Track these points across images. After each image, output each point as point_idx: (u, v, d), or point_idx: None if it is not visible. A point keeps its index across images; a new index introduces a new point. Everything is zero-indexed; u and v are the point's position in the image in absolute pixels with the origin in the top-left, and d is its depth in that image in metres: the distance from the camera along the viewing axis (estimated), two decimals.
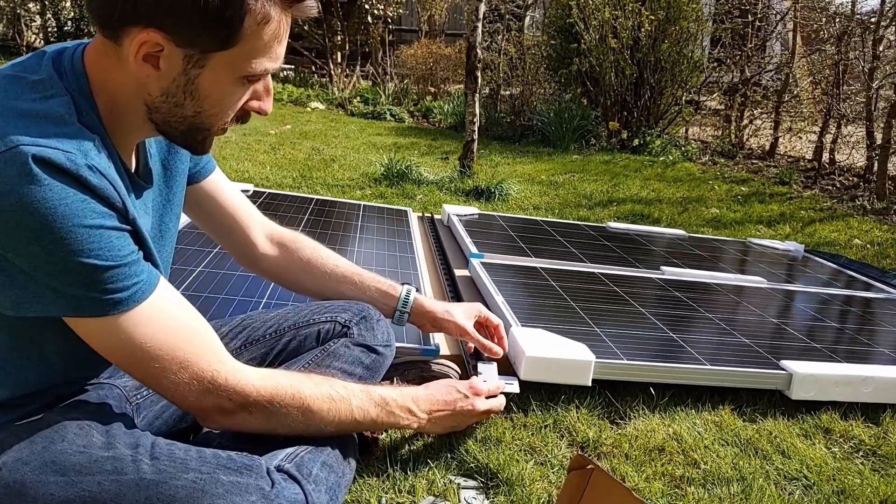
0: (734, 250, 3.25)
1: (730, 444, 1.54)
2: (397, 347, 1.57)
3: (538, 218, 3.36)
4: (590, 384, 1.61)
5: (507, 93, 7.82)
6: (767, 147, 6.96)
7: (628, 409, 1.64)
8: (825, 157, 6.04)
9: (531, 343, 1.62)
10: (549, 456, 1.42)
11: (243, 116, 0.99)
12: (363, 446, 1.35)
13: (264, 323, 1.38)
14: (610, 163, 5.56)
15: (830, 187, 5.43)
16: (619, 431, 1.55)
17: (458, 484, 1.30)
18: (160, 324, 0.93)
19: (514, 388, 1.51)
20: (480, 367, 1.53)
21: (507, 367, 1.63)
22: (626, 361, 1.65)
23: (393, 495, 1.25)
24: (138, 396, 1.19)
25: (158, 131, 0.97)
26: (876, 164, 5.50)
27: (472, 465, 1.36)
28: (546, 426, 1.53)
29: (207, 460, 0.92)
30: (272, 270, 1.44)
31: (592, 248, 2.84)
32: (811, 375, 1.71)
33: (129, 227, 0.90)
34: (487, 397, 1.37)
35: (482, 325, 1.58)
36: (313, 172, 4.22)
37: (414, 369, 1.56)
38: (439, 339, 1.78)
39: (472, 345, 1.55)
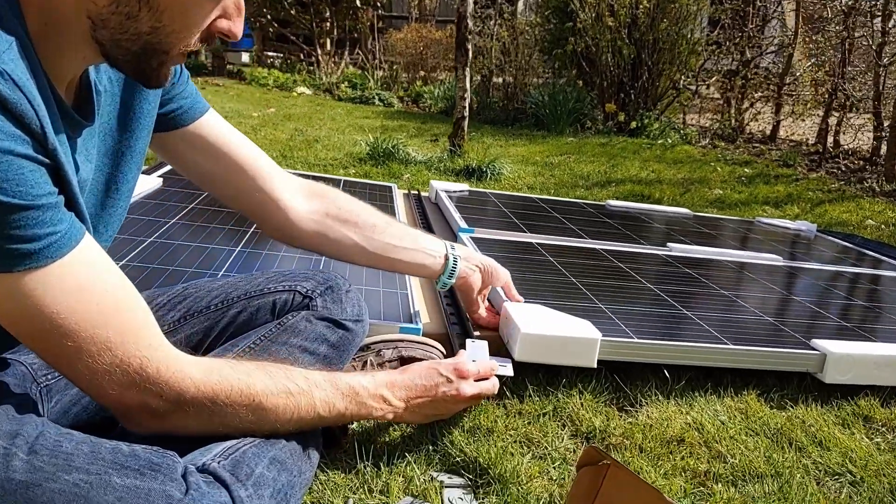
0: (743, 229, 3.03)
1: (759, 435, 1.33)
2: (372, 324, 1.35)
3: (534, 195, 3.14)
4: (595, 366, 1.39)
5: (500, 80, 7.59)
6: (769, 131, 6.76)
7: (639, 395, 1.42)
8: (829, 140, 5.84)
9: (527, 319, 1.39)
10: (550, 448, 1.21)
11: (208, 39, 0.76)
12: (328, 438, 1.12)
13: (209, 292, 1.15)
14: (607, 145, 5.34)
15: (836, 171, 5.23)
16: (630, 420, 1.33)
17: (441, 482, 1.09)
18: (78, 290, 0.71)
19: (508, 370, 1.29)
20: (469, 344, 1.31)
21: (500, 349, 1.41)
22: (636, 340, 1.44)
23: (363, 496, 1.03)
24: (49, 377, 0.96)
25: (104, 55, 0.74)
26: (884, 146, 5.30)
27: (457, 459, 1.14)
28: (545, 414, 1.31)
29: (101, 457, 0.70)
30: (310, 235, 1.18)
31: (592, 224, 2.62)
32: (848, 356, 1.49)
33: (47, 161, 0.68)
34: (477, 380, 1.15)
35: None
36: (294, 152, 3.99)
37: (391, 348, 1.33)
38: (423, 316, 1.56)
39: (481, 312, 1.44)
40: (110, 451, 0.69)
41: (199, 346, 1.10)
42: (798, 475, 1.19)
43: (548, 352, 1.36)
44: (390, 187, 2.83)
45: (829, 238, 3.11)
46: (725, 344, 1.48)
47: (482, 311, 1.45)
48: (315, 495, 1.02)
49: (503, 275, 1.41)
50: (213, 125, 1.07)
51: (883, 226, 3.58)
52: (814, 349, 1.53)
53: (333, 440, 1.14)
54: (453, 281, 1.31)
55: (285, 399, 0.88)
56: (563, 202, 3.03)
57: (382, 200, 2.56)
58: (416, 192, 2.92)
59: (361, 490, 1.04)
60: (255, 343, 1.07)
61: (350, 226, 1.20)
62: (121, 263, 1.49)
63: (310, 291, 1.18)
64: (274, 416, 0.87)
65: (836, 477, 1.22)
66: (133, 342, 0.75)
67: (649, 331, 1.50)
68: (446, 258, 1.30)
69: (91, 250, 0.74)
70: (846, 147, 5.99)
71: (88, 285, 0.72)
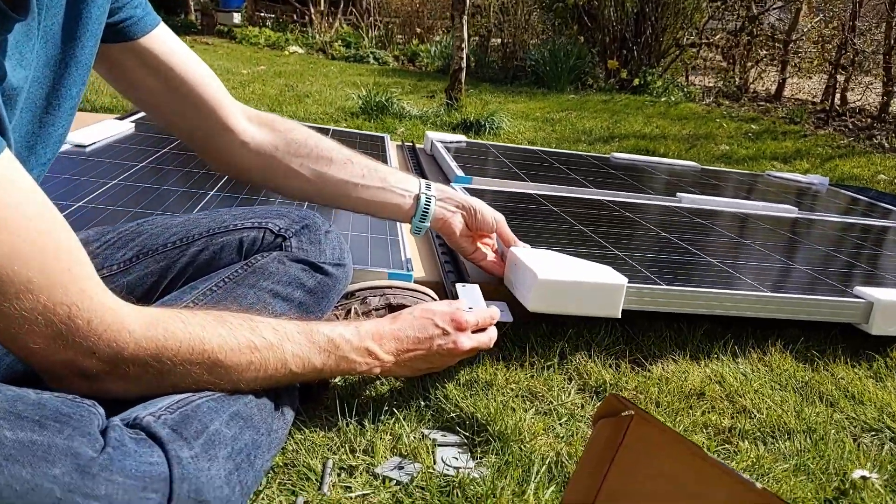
0: (753, 182, 2.89)
1: (785, 389, 1.20)
2: (357, 270, 1.22)
3: (535, 147, 2.99)
4: (619, 315, 1.22)
5: (498, 41, 7.36)
6: (773, 90, 6.58)
7: (652, 347, 1.29)
8: (836, 99, 5.66)
9: (541, 263, 1.22)
10: (556, 403, 1.08)
11: None
12: (306, 393, 0.99)
13: (167, 229, 1.01)
14: (609, 102, 5.17)
15: (844, 128, 5.07)
16: (644, 373, 1.20)
17: (434, 440, 0.96)
18: None
19: (507, 316, 1.15)
20: (460, 290, 1.18)
21: (501, 299, 1.27)
22: (665, 287, 1.27)
23: (344, 456, 0.90)
24: None
25: None
26: (894, 102, 5.14)
27: (452, 415, 1.01)
28: (549, 366, 1.18)
29: None
30: (260, 165, 1.04)
31: (597, 175, 2.47)
32: None
33: None
34: (475, 331, 1.02)
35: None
36: (284, 107, 3.82)
37: (378, 296, 1.20)
38: (416, 264, 1.42)
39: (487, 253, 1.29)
40: (10, 398, 0.55)
41: (153, 288, 0.96)
42: (833, 431, 1.07)
43: (566, 300, 1.19)
44: (383, 137, 2.67)
45: (843, 191, 2.97)
46: (764, 291, 1.32)
47: (490, 257, 1.28)
48: (288, 456, 0.89)
49: (492, 218, 1.23)
50: (165, 41, 0.93)
51: None
52: (858, 297, 1.38)
53: (311, 395, 1.01)
54: (427, 224, 1.15)
55: (249, 355, 0.75)
56: (566, 154, 2.88)
57: (374, 150, 2.41)
58: (411, 144, 2.76)
59: (342, 450, 0.91)
60: (217, 285, 0.93)
61: (303, 159, 1.05)
62: (78, 204, 1.35)
63: (283, 230, 1.03)
64: (236, 374, 0.75)
65: (874, 433, 1.09)
66: (60, 285, 0.61)
67: (675, 278, 1.34)
68: (417, 198, 1.13)
69: (14, 171, 0.59)
70: (854, 105, 5.82)
71: (4, 212, 0.58)
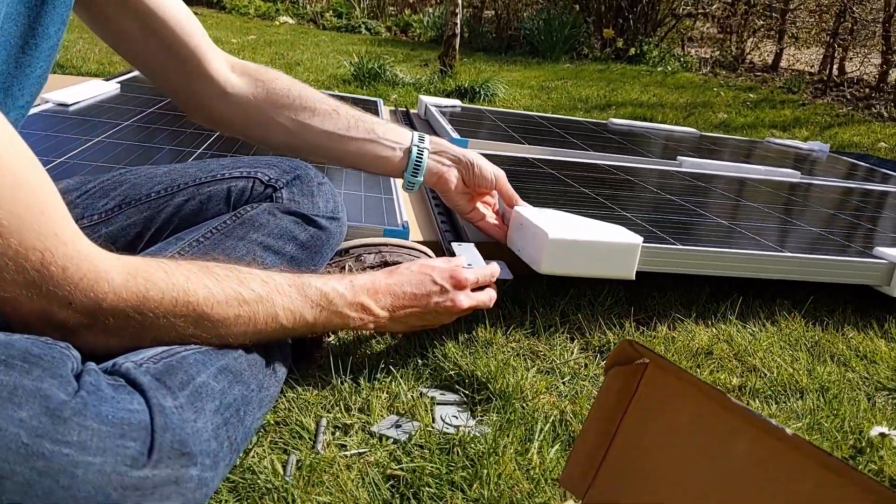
0: (754, 148, 2.84)
1: (795, 348, 1.16)
2: (351, 227, 1.17)
3: (532, 113, 2.93)
4: (633, 277, 1.15)
5: (492, 12, 7.24)
6: (770, 60, 6.51)
7: (657, 307, 1.25)
8: (834, 69, 5.61)
9: (551, 223, 1.14)
10: (558, 362, 1.04)
11: None
12: (298, 352, 0.95)
13: (151, 178, 0.96)
14: (605, 71, 5.09)
15: (842, 98, 5.01)
16: (650, 333, 1.16)
17: (433, 398, 0.91)
18: None
19: (506, 273, 1.10)
20: (456, 248, 1.13)
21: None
22: (680, 247, 1.20)
23: (338, 414, 0.86)
24: None
25: None
26: (894, 72, 5.09)
27: (451, 373, 0.96)
28: (551, 326, 1.14)
29: None
30: (240, 115, 0.98)
31: (596, 140, 2.42)
32: None
33: None
34: (474, 290, 0.97)
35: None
36: None
37: (374, 253, 1.15)
38: (410, 218, 1.38)
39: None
40: None
41: (137, 240, 0.91)
42: (846, 390, 1.03)
43: (579, 261, 1.12)
44: (376, 102, 2.60)
45: (843, 158, 2.92)
46: (784, 252, 1.26)
47: (489, 217, 1.21)
48: (280, 414, 0.85)
49: (491, 174, 1.15)
50: None
51: None
52: (879, 258, 1.32)
53: (304, 354, 0.97)
54: (420, 179, 1.08)
55: (237, 308, 0.70)
56: (564, 119, 2.82)
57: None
58: (405, 109, 2.70)
59: (337, 408, 0.87)
60: (204, 236, 0.88)
61: (285, 110, 0.98)
62: (59, 160, 1.29)
63: (273, 180, 0.98)
64: (224, 328, 0.70)
65: (889, 393, 1.06)
66: (32, 228, 0.55)
67: (689, 238, 1.27)
68: (408, 151, 1.06)
69: None
70: (852, 75, 5.76)
71: None
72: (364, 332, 1.04)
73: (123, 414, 0.51)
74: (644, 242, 1.16)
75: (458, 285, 0.93)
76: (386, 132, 1.06)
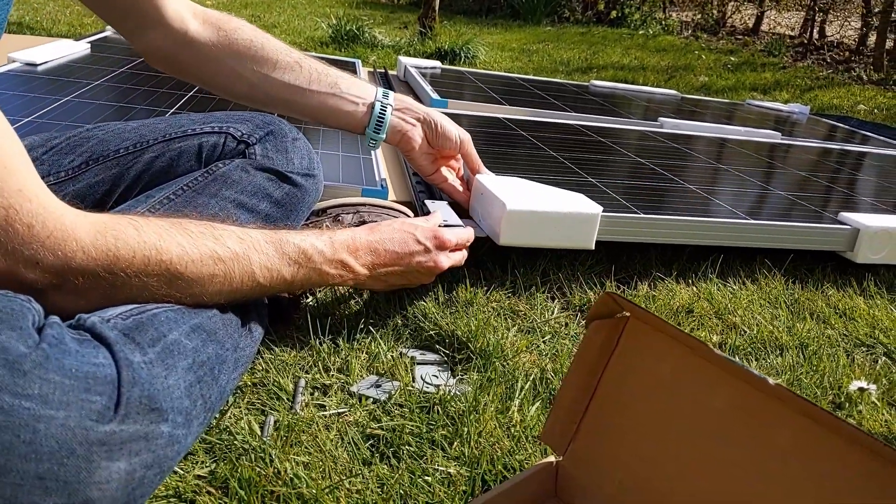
0: (734, 110, 2.83)
1: (775, 306, 1.16)
2: (328, 186, 1.15)
3: (513, 74, 2.89)
4: (593, 247, 1.15)
5: None
6: (751, 24, 6.49)
7: (637, 266, 1.24)
8: (815, 32, 5.59)
9: (510, 192, 1.12)
10: (539, 321, 1.03)
11: None
12: (275, 312, 0.93)
13: (119, 135, 0.93)
14: (586, 34, 5.05)
15: (822, 61, 5.01)
16: (630, 292, 1.16)
17: (413, 358, 0.90)
18: None
19: (480, 231, 1.09)
20: (430, 205, 1.11)
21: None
22: (641, 215, 1.19)
23: (317, 375, 0.84)
24: None
25: None
26: (872, 36, 5.08)
27: (431, 332, 0.95)
28: (532, 285, 1.13)
29: None
30: (198, 63, 0.95)
31: (577, 101, 2.39)
32: (884, 231, 1.29)
33: None
34: (452, 251, 0.96)
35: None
36: None
37: (352, 213, 1.13)
38: (388, 176, 1.35)
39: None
40: None
41: (105, 198, 0.89)
42: (825, 346, 1.03)
43: (537, 232, 1.10)
44: (354, 63, 2.56)
45: (823, 120, 2.93)
46: (744, 219, 1.26)
47: (452, 180, 1.17)
48: (258, 375, 0.83)
49: (455, 136, 1.10)
50: None
51: (876, 110, 3.41)
52: (843, 223, 1.32)
53: (282, 315, 0.95)
54: (382, 136, 1.04)
55: (213, 267, 0.68)
56: (545, 81, 2.79)
57: None
58: (383, 70, 2.66)
59: (315, 369, 0.86)
60: (175, 193, 0.85)
61: (245, 60, 0.95)
62: (27, 119, 1.25)
63: (246, 136, 0.95)
64: (199, 287, 0.67)
65: (867, 348, 1.06)
66: None
67: (652, 206, 1.27)
68: (371, 107, 1.02)
69: None
70: (832, 38, 5.76)
71: None
72: (342, 289, 1.02)
73: (88, 367, 0.49)
74: (605, 212, 1.15)
75: (441, 246, 0.93)
76: (350, 87, 1.02)
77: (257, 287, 0.73)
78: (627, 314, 0.62)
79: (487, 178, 1.18)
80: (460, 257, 0.98)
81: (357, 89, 1.02)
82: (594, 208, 1.13)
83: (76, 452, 0.45)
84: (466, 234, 0.99)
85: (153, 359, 0.57)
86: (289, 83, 0.98)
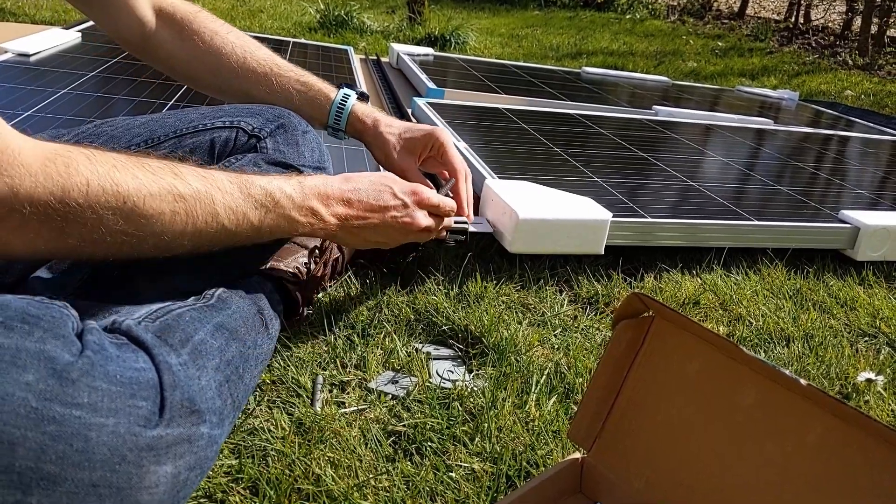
0: (725, 96, 2.85)
1: (779, 296, 1.18)
2: None
3: (505, 61, 2.88)
4: (602, 252, 1.17)
5: None
6: (737, 7, 6.50)
7: (642, 257, 1.25)
8: (800, 16, 5.61)
9: (521, 200, 1.13)
10: (549, 314, 1.04)
11: None
12: (290, 308, 0.93)
13: (129, 130, 0.92)
14: (574, 19, 5.04)
15: (808, 45, 5.04)
16: (637, 284, 1.17)
17: (428, 353, 0.91)
18: None
19: (487, 227, 1.08)
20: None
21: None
22: (648, 220, 1.19)
23: (334, 372, 0.85)
24: None
25: None
26: (857, 21, 5.11)
27: (444, 327, 0.96)
28: (540, 278, 1.14)
29: None
30: (160, 55, 0.97)
31: (570, 89, 2.40)
32: (883, 229, 1.30)
33: None
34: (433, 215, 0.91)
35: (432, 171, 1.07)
36: (236, 22, 3.62)
37: None
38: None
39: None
40: None
41: None
42: (830, 336, 1.05)
43: (548, 239, 1.12)
44: (346, 50, 2.54)
45: (812, 106, 2.95)
46: (748, 220, 1.27)
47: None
48: (276, 373, 0.84)
49: (460, 163, 1.02)
50: None
51: (863, 95, 3.44)
52: (844, 222, 1.33)
53: (293, 312, 0.95)
54: (342, 126, 1.01)
55: (173, 203, 0.63)
56: (538, 68, 2.79)
57: (338, 63, 2.29)
58: (376, 57, 2.64)
59: (332, 365, 0.86)
60: None
61: (208, 69, 0.98)
62: (28, 113, 1.23)
63: (257, 130, 0.95)
64: (159, 225, 0.62)
65: (870, 338, 1.08)
66: None
67: (658, 207, 1.27)
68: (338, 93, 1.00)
69: None
70: (817, 22, 5.79)
71: None
72: (355, 286, 1.02)
73: (131, 373, 0.49)
74: (614, 217, 1.15)
75: (420, 203, 0.87)
76: (313, 79, 1.02)
77: (222, 231, 0.68)
78: (653, 314, 0.62)
79: (497, 184, 1.18)
80: (441, 227, 0.93)
81: (320, 82, 1.02)
82: (604, 214, 1.15)
83: (127, 458, 0.46)
84: (449, 203, 0.93)
85: (187, 360, 0.57)
86: (254, 76, 0.99)
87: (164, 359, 0.53)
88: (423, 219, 0.87)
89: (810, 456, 0.54)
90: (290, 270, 0.94)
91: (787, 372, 0.52)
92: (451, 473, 0.70)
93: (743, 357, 0.56)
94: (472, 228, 1.04)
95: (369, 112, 1.03)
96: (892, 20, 4.86)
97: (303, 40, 3.08)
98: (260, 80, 1.00)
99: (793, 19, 5.61)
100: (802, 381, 0.51)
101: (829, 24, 5.71)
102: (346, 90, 1.03)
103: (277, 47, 2.38)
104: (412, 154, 1.03)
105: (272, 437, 0.72)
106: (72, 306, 0.66)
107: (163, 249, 0.63)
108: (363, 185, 0.83)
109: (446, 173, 1.04)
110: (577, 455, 0.67)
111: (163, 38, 0.96)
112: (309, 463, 0.68)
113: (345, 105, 1.01)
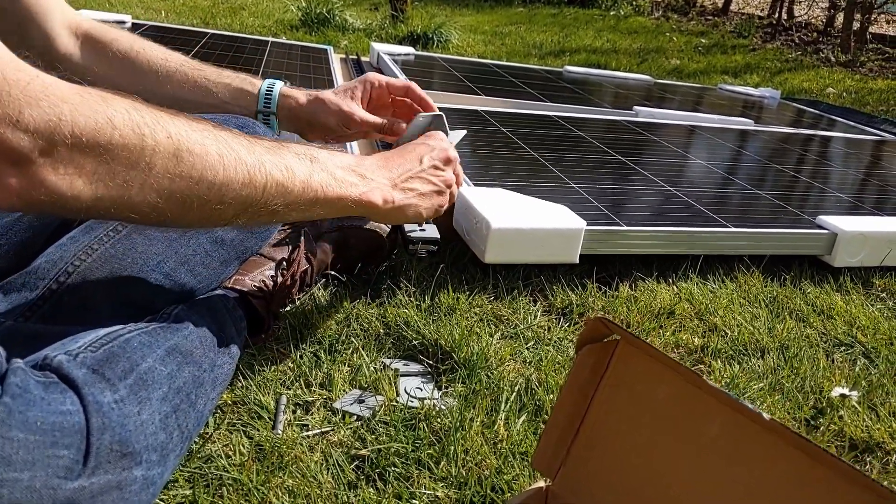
0: (707, 95, 2.84)
1: (754, 304, 1.17)
2: None
3: (487, 60, 2.86)
4: (576, 261, 1.15)
5: None
6: (721, 4, 6.50)
7: (617, 265, 1.24)
8: (783, 13, 5.62)
9: (495, 209, 1.11)
10: (522, 326, 1.02)
11: None
12: (253, 326, 0.91)
13: None
14: (558, 15, 5.02)
15: (791, 42, 5.05)
16: (611, 293, 1.15)
17: (396, 370, 0.89)
18: None
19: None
20: (423, 117, 0.95)
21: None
22: (623, 228, 1.18)
23: (299, 391, 0.83)
24: None
25: None
26: (839, 17, 5.13)
27: (414, 342, 0.94)
28: (513, 288, 1.12)
29: None
30: (81, 73, 0.95)
31: (551, 89, 2.38)
32: (860, 235, 1.29)
33: None
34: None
35: (385, 104, 1.03)
36: (217, 20, 3.58)
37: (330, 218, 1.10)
38: None
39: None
40: None
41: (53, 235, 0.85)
42: (805, 347, 1.04)
43: (522, 249, 1.10)
44: (325, 49, 2.51)
45: (794, 105, 2.95)
46: (724, 227, 1.25)
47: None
48: (237, 393, 0.81)
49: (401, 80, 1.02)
50: None
51: (844, 93, 3.44)
52: (821, 227, 1.32)
53: (259, 329, 0.93)
54: (272, 108, 0.97)
55: (220, 146, 0.58)
56: (519, 67, 2.77)
57: (317, 63, 2.26)
58: (356, 57, 2.61)
59: (297, 384, 0.84)
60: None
61: (122, 59, 0.94)
62: None
63: None
64: (211, 172, 0.57)
65: (846, 348, 1.07)
66: None
67: (635, 214, 1.25)
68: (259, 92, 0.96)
69: None
70: (800, 18, 5.80)
71: None
72: (322, 297, 1.00)
73: (54, 417, 0.46)
74: (588, 225, 1.14)
75: (445, 160, 0.86)
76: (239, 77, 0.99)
77: (274, 186, 0.63)
78: (616, 338, 0.61)
79: (472, 192, 1.17)
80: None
81: (242, 80, 0.99)
82: (578, 223, 1.13)
83: None
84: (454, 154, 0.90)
85: (125, 395, 0.55)
86: (176, 77, 0.96)
87: (95, 398, 0.50)
88: (450, 174, 0.86)
89: (775, 486, 0.52)
90: (256, 284, 0.92)
91: (749, 405, 0.51)
92: (413, 501, 0.68)
93: (707, 388, 0.54)
94: (426, 235, 1.01)
95: (299, 90, 0.99)
96: (874, 17, 4.87)
97: (282, 39, 3.05)
98: (182, 80, 0.97)
99: (776, 16, 5.62)
100: (766, 416, 0.50)
101: (812, 21, 5.72)
102: (269, 84, 0.99)
103: (255, 47, 2.35)
104: (354, 99, 0.99)
105: (229, 464, 0.70)
106: (15, 331, 0.64)
107: (213, 202, 0.58)
108: (396, 154, 0.82)
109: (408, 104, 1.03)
110: (542, 483, 0.65)
111: (77, 52, 0.93)
112: (266, 492, 0.66)
113: (273, 89, 0.98)
